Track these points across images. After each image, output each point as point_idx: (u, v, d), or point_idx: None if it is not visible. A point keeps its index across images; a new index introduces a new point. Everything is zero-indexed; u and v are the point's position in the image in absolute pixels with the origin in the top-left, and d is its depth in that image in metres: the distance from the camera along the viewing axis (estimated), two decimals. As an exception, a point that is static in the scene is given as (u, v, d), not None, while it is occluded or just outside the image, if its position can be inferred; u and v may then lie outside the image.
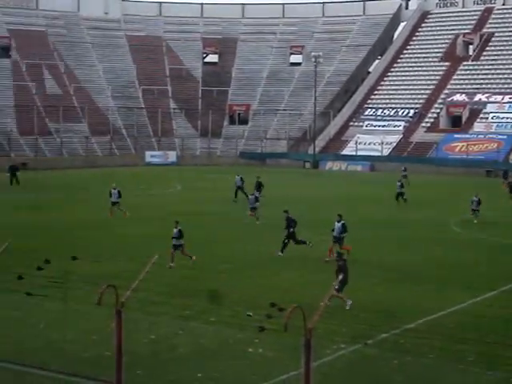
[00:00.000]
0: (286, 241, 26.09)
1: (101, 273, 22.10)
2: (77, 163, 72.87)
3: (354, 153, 76.63)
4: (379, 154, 75.33)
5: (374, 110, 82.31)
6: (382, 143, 75.58)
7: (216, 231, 32.12)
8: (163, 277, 20.31)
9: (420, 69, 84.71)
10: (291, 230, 26.11)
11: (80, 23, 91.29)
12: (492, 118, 75.39)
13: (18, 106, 77.16)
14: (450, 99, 79.27)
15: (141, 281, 11.57)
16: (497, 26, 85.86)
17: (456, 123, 77.16)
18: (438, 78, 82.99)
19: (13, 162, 59.80)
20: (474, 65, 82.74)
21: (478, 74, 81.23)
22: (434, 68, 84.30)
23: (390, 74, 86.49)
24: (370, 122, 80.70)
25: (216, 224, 34.25)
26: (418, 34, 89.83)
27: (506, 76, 79.65)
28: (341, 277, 17.44)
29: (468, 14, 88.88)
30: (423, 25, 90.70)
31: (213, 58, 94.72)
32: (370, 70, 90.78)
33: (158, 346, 15.97)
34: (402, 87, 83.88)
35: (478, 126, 75.05)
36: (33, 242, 27.24)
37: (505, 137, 72.10)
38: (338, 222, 25.08)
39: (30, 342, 16.23)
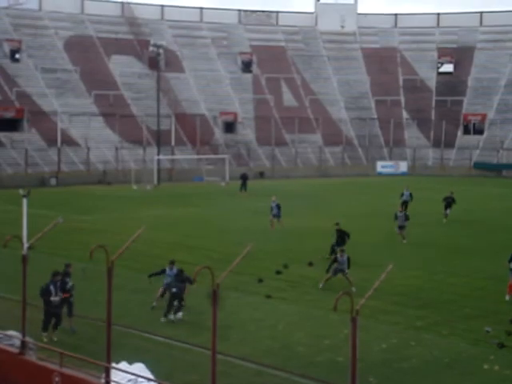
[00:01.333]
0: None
1: (334, 279, 22.62)
2: (310, 173, 74.85)
3: None
4: None
5: None
6: None
7: (444, 243, 31.41)
8: (397, 286, 20.38)
9: None
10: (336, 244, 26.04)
11: (317, 37, 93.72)
12: None
13: (258, 118, 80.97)
14: None
15: (375, 289, 11.79)
16: None
17: None
18: None
19: (244, 170, 62.64)
20: None
21: None
22: None
23: None
24: None
25: (444, 236, 33.50)
26: None
27: None
28: None
29: None
30: None
31: (448, 67, 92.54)
32: None
33: (389, 355, 16.08)
34: None
35: None
36: (271, 246, 28.43)
37: None
38: None
39: (267, 342, 17.05)
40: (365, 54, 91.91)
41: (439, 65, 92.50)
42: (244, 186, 55.71)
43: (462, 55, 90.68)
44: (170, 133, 70.48)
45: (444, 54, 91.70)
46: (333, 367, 14.81)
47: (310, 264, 25.33)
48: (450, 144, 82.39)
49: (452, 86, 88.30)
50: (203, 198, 51.84)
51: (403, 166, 79.78)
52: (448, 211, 37.77)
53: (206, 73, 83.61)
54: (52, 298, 16.90)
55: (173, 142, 70.84)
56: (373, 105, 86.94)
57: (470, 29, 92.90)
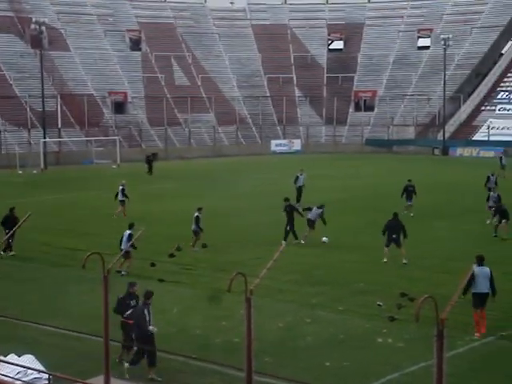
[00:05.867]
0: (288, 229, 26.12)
1: (229, 260, 22.44)
2: (204, 153, 74.46)
3: (486, 138, 73.97)
4: (513, 138, 72.38)
5: (507, 93, 79.08)
6: (516, 128, 72.57)
7: (337, 220, 31.81)
8: (291, 265, 20.36)
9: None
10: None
11: (207, 14, 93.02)
12: None
13: (148, 98, 79.69)
14: None
15: (268, 269, 11.60)
16: None
17: None
18: None
19: (149, 152, 61.24)
20: None
21: None
22: None
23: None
24: (504, 106, 77.62)
25: (340, 212, 33.94)
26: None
27: None
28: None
29: None
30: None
31: (338, 44, 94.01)
32: (503, 51, 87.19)
33: (286, 333, 16.06)
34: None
35: None
36: (166, 230, 27.98)
37: None
38: (480, 266, 16.06)
39: (163, 327, 16.64)
40: (255, 31, 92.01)
41: (329, 42, 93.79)
42: (150, 167, 54.37)
43: (351, 32, 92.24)
44: (56, 114, 68.34)
45: (333, 30, 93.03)
46: (230, 348, 14.67)
47: (204, 246, 24.97)
48: (341, 121, 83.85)
49: (342, 62, 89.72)
50: (94, 181, 50.66)
51: (297, 144, 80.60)
52: (411, 202, 32.78)
53: (93, 51, 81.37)
54: (151, 328, 13.72)
55: (59, 124, 68.73)
56: (265, 83, 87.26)
57: (358, 5, 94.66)
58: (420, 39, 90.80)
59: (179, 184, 47.68)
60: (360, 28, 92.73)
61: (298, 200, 36.16)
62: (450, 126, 77.54)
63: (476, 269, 15.70)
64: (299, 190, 36.79)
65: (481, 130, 75.66)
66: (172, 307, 17.99)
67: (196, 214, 25.33)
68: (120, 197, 33.39)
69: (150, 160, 55.06)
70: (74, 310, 17.84)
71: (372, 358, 14.43)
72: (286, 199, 27.33)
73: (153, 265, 21.63)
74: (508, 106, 77.29)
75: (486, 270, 15.82)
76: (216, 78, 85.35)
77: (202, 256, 23.48)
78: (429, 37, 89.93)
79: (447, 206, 34.86)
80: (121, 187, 33.64)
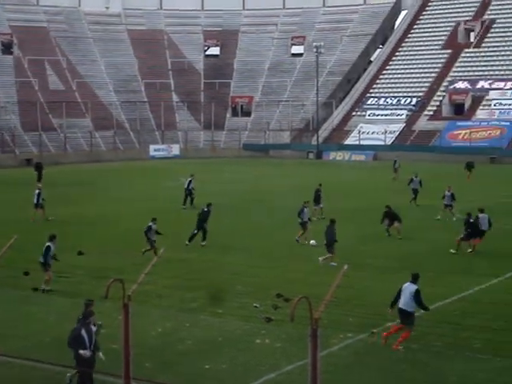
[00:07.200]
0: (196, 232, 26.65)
1: (107, 267, 22.19)
2: (81, 158, 73.04)
3: (357, 142, 76.60)
4: (382, 143, 75.31)
5: (376, 99, 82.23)
6: (385, 132, 75.51)
7: (221, 224, 32.09)
8: (170, 270, 20.36)
9: (422, 57, 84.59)
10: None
11: (81, 18, 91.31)
12: (495, 105, 75.33)
13: (21, 103, 77.28)
14: (452, 87, 79.10)
15: (147, 274, 11.65)
16: (498, 12, 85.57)
17: (459, 111, 77.07)
18: (439, 65, 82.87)
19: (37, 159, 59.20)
20: (475, 52, 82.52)
21: (480, 61, 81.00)
22: (435, 56, 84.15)
23: (391, 62, 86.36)
24: (373, 112, 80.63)
25: (220, 217, 34.21)
26: (419, 22, 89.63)
27: (507, 62, 79.39)
28: None
29: (469, 0, 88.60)
30: (424, 13, 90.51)
31: (214, 50, 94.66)
32: (372, 59, 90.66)
33: (165, 338, 16.06)
34: (404, 76, 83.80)
35: (480, 113, 75.08)
36: (39, 238, 27.24)
37: (508, 123, 72.05)
38: (411, 282, 15.67)
39: (37, 337, 16.31)
40: (131, 35, 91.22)
41: (206, 48, 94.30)
42: (39, 174, 52.36)
43: (227, 38, 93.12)
44: None
45: (210, 36, 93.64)
46: (110, 355, 14.45)
47: (80, 253, 24.45)
48: (219, 126, 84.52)
49: (219, 68, 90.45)
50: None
51: (176, 149, 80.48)
52: (320, 205, 33.34)
53: (-38, 55, 78.29)
54: (81, 352, 12.07)
55: None
56: (142, 88, 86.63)
57: (233, 12, 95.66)
58: (293, 46, 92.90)
59: (55, 191, 46.47)
60: (235, 35, 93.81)
61: (192, 203, 36.96)
62: (324, 131, 79.79)
63: (404, 284, 15.49)
64: (191, 194, 37.45)
65: (352, 135, 78.30)
66: (47, 316, 17.62)
67: (150, 223, 24.67)
68: (36, 201, 33.16)
69: (40, 167, 53.24)
70: None
71: (250, 359, 14.69)
72: (209, 204, 27.46)
73: (26, 273, 20.94)
74: (377, 112, 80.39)
75: (412, 287, 15.23)
76: (92, 83, 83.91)
77: (79, 263, 23.05)
78: (302, 44, 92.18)
79: (324, 208, 35.77)
80: (37, 191, 33.38)
